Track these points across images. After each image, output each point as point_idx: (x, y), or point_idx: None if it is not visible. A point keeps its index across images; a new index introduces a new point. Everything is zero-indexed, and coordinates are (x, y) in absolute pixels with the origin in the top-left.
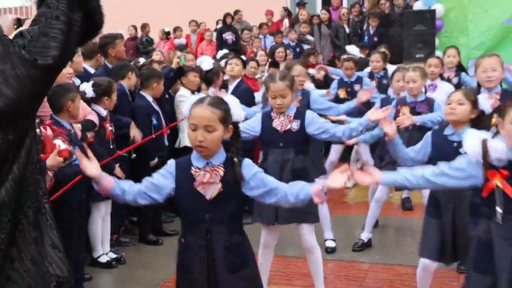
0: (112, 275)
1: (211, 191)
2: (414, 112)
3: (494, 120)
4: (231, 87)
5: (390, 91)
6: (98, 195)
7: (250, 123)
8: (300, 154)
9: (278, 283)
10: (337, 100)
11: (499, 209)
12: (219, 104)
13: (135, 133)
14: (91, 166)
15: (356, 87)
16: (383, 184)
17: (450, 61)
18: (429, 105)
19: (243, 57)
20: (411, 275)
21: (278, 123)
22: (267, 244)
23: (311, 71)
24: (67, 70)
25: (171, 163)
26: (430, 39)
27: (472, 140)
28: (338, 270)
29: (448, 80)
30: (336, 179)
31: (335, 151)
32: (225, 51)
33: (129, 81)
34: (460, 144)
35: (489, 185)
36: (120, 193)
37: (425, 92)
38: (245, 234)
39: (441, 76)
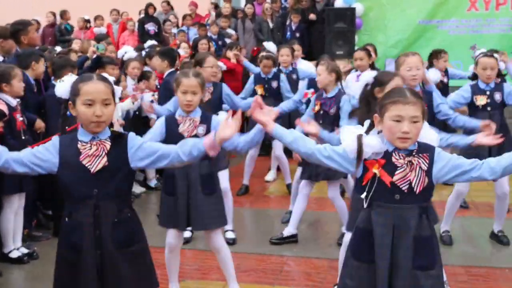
0: (23, 271)
1: (96, 164)
2: (322, 108)
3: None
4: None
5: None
6: (11, 188)
7: (154, 128)
8: (206, 159)
9: (193, 278)
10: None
11: (364, 194)
12: (106, 79)
13: (39, 125)
14: None
15: (274, 83)
16: (272, 134)
17: (358, 64)
18: (336, 101)
19: None
20: (327, 267)
21: (185, 129)
22: (174, 247)
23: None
24: None
25: (55, 138)
26: (350, 37)
27: (348, 136)
28: (256, 264)
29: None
30: (226, 128)
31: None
32: (153, 42)
33: (33, 71)
34: None
35: (368, 174)
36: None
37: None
38: (134, 209)
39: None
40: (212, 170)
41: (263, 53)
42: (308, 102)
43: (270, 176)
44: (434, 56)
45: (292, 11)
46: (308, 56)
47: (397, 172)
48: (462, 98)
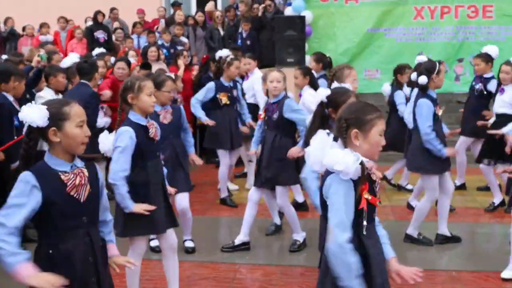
0: None
1: (83, 193)
2: (266, 114)
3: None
4: None
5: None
6: None
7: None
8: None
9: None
10: (219, 105)
11: (365, 222)
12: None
13: None
14: None
15: (235, 92)
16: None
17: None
18: (279, 106)
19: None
20: (278, 274)
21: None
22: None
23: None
24: None
25: (27, 176)
26: (300, 44)
27: (347, 156)
28: (208, 272)
29: None
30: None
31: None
32: (102, 49)
33: None
34: None
35: (363, 199)
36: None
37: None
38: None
39: None
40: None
41: (227, 58)
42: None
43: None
44: (398, 71)
45: (242, 19)
46: (258, 64)
47: (376, 188)
48: None
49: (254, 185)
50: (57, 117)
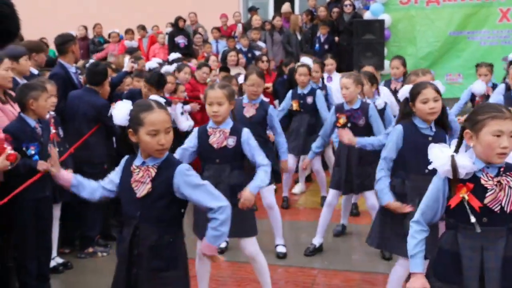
0: (59, 281)
1: (141, 190)
2: (350, 120)
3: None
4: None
5: (332, 99)
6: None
7: (188, 139)
8: (236, 169)
9: None
10: (290, 112)
11: (473, 219)
12: (164, 106)
13: None
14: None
15: (309, 99)
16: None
17: (394, 73)
18: (364, 112)
19: (194, 61)
20: (358, 281)
21: (214, 140)
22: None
23: None
24: (8, 74)
25: (123, 158)
26: (379, 48)
27: (440, 157)
28: (287, 276)
29: (395, 92)
30: None
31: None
32: (177, 54)
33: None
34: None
35: (456, 197)
36: (77, 187)
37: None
38: (180, 235)
39: (389, 88)
40: (243, 181)
41: (298, 63)
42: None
43: (297, 188)
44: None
45: (320, 23)
46: (336, 68)
47: (487, 194)
48: None
49: (343, 193)
50: (134, 120)
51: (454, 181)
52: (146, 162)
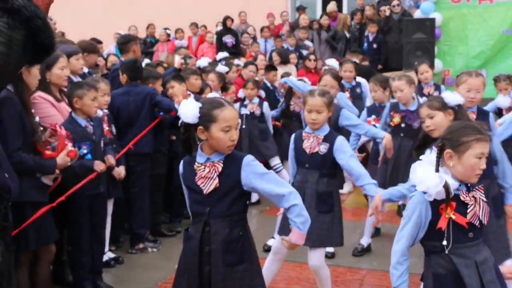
0: (110, 275)
1: (208, 186)
2: (404, 121)
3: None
4: None
5: (367, 100)
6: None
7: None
8: (325, 177)
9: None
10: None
11: (445, 242)
12: (230, 102)
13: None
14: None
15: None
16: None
17: (425, 77)
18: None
19: (243, 60)
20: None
21: (308, 145)
22: (277, 251)
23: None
24: (64, 72)
25: (181, 164)
26: (429, 47)
27: (430, 178)
28: (335, 276)
29: (429, 96)
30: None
31: None
32: (225, 53)
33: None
34: None
35: (443, 219)
36: None
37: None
38: (248, 228)
39: (421, 93)
40: (330, 189)
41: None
42: None
43: (346, 188)
44: None
45: (369, 22)
46: (384, 67)
47: (468, 210)
48: None
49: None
50: (205, 118)
51: (447, 201)
52: (210, 158)
